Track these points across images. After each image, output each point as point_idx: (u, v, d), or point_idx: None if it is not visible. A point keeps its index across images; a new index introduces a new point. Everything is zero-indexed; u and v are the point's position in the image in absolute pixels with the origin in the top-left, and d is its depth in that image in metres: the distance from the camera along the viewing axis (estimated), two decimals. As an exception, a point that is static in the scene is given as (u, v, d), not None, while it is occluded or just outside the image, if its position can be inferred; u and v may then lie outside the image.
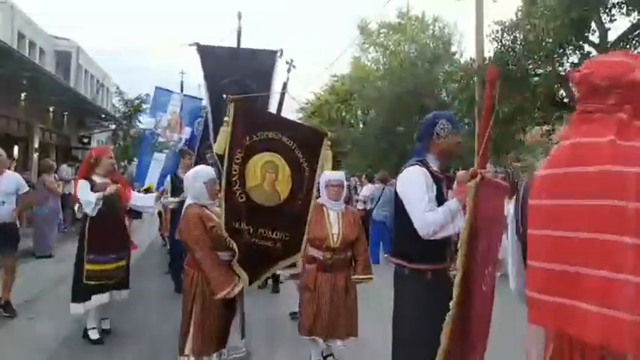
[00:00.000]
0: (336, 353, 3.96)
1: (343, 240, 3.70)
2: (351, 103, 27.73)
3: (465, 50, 22.82)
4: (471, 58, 14.69)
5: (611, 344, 1.25)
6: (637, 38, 11.56)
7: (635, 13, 11.03)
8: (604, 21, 11.37)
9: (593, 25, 11.55)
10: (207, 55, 5.64)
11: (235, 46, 5.93)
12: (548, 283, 1.38)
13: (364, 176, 12.96)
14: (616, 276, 1.25)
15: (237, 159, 3.20)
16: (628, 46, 11.65)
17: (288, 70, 5.42)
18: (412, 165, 2.72)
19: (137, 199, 4.92)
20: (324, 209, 3.77)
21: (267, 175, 3.32)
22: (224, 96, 3.47)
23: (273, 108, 5.61)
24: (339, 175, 3.89)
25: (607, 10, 11.21)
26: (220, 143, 3.21)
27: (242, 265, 3.27)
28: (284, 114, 5.47)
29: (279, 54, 5.79)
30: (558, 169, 1.42)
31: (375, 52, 26.94)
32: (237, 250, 3.20)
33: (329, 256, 3.68)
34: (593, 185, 1.32)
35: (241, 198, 3.23)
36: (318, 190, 3.74)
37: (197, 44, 5.58)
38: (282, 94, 3.68)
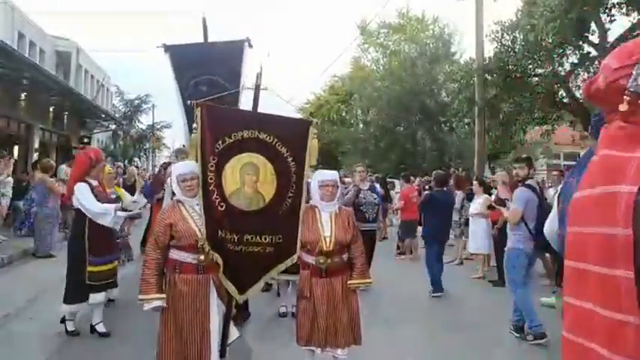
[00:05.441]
0: None
1: (336, 243, 3.41)
2: (351, 103, 27.76)
3: (465, 50, 22.80)
4: (470, 58, 14.71)
5: None
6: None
7: (635, 13, 11.03)
8: (604, 21, 11.38)
9: (593, 25, 11.56)
10: (176, 54, 5.39)
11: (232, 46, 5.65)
12: (573, 322, 1.19)
13: None
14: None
15: (212, 166, 3.02)
16: (628, 46, 11.61)
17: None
18: None
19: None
20: (317, 211, 3.49)
21: (247, 178, 3.11)
22: (189, 102, 3.28)
23: (245, 104, 4.97)
24: (333, 174, 3.64)
25: (607, 10, 11.22)
26: (192, 152, 3.05)
27: (229, 278, 3.12)
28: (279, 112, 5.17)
29: (246, 43, 5.47)
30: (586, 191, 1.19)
31: (375, 52, 26.98)
32: (221, 263, 3.06)
33: (322, 261, 3.39)
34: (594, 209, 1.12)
35: (221, 207, 3.05)
36: (308, 190, 3.51)
37: (164, 45, 5.37)
38: (257, 87, 3.45)
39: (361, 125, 27.29)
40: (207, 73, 5.25)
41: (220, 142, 3.04)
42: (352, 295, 3.53)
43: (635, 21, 11.20)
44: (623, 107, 1.08)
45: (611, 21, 11.35)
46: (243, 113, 3.44)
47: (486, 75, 13.23)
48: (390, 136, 22.21)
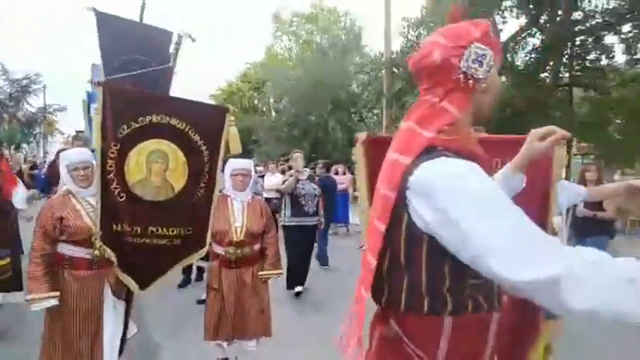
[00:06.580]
0: (251, 356, 3.56)
1: (247, 233, 3.36)
2: (263, 91, 27.54)
3: (374, 43, 23.61)
4: (379, 52, 15.24)
5: None
6: (524, 40, 12.74)
7: (524, 17, 12.14)
8: (497, 22, 12.39)
9: (489, 25, 12.55)
10: (106, 24, 4.96)
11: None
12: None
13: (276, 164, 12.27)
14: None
15: (112, 153, 2.77)
16: (517, 47, 12.81)
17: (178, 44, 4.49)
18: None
19: (16, 196, 4.40)
20: (229, 200, 3.43)
21: (154, 166, 2.89)
22: (93, 82, 2.97)
23: (175, 91, 4.97)
24: (246, 163, 3.55)
25: (500, 12, 12.22)
26: (95, 136, 2.77)
27: (128, 271, 2.92)
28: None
29: (174, 37, 5.28)
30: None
31: (288, 41, 26.97)
32: (114, 260, 2.84)
33: (232, 252, 3.33)
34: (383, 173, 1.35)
35: (121, 197, 2.82)
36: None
37: (94, 9, 4.93)
38: (171, 69, 3.29)
39: (274, 113, 27.22)
40: (140, 53, 4.89)
41: (125, 126, 2.80)
42: (262, 286, 3.48)
43: (523, 24, 12.33)
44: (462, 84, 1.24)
45: (504, 22, 12.39)
46: (153, 96, 3.17)
47: (394, 68, 13.81)
48: (303, 124, 22.41)
